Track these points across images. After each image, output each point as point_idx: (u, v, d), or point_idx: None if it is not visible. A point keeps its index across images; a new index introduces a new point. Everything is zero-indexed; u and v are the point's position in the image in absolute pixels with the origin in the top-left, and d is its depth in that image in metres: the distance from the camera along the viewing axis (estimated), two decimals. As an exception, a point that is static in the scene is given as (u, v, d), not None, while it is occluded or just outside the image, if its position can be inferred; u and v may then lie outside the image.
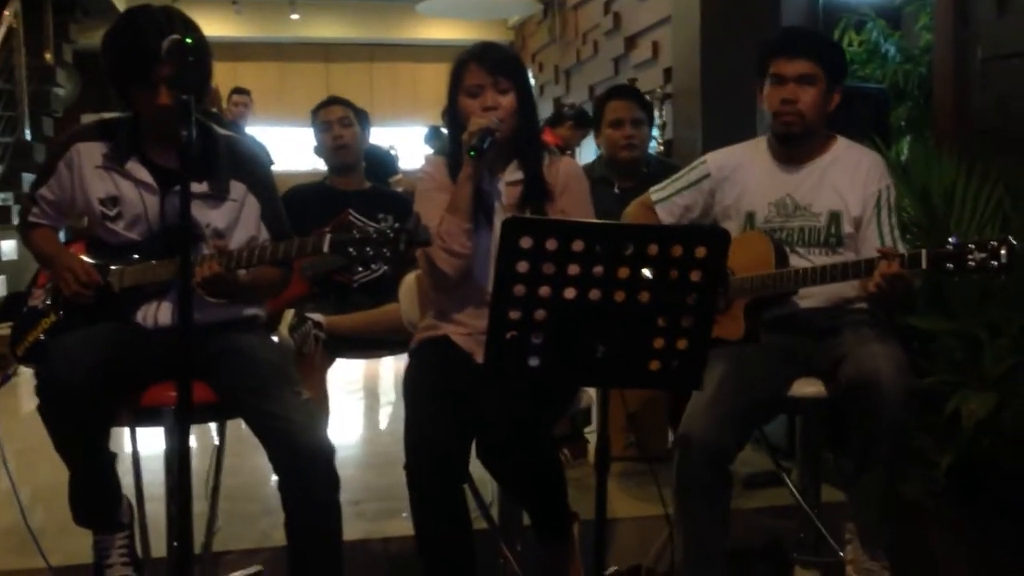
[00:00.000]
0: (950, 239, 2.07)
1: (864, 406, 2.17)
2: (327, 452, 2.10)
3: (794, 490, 2.52)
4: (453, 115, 2.36)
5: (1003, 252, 1.98)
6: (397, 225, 2.04)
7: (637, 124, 3.49)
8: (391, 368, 5.41)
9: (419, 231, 2.03)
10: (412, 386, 2.28)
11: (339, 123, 3.44)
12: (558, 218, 2.30)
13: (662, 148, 5.63)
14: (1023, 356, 2.58)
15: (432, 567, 2.16)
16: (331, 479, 2.12)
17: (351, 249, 2.03)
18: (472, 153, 2.18)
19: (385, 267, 2.97)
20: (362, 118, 3.55)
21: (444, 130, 2.62)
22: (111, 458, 2.21)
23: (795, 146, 2.48)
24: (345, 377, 5.05)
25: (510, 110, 2.28)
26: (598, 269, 1.63)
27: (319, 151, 3.53)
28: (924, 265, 2.06)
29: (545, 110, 7.98)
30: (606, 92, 3.72)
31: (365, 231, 2.02)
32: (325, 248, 2.06)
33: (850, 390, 2.21)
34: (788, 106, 2.40)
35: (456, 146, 2.34)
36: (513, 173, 2.36)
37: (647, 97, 3.78)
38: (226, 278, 2.16)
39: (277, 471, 2.11)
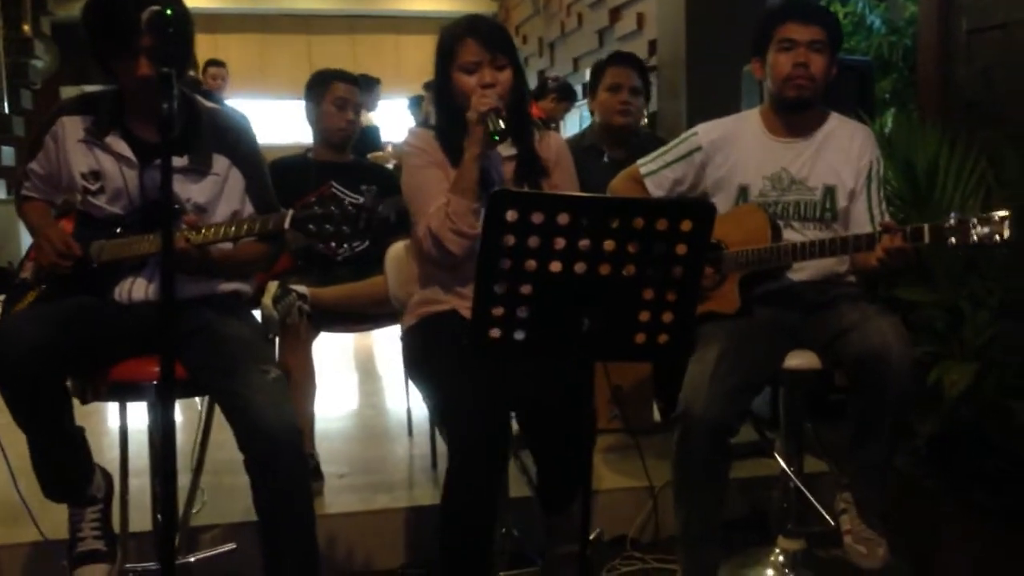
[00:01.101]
0: (953, 213, 2.07)
1: (873, 379, 2.19)
2: (290, 432, 2.06)
3: (781, 461, 2.54)
4: (445, 90, 2.30)
5: (1006, 226, 1.99)
6: (360, 201, 2.02)
7: (634, 92, 3.49)
8: (378, 342, 5.41)
9: (379, 209, 2.01)
10: (431, 361, 2.20)
11: (353, 108, 3.40)
12: (544, 191, 2.29)
13: (646, 120, 5.61)
14: (1003, 326, 2.60)
15: (458, 540, 2.09)
16: (295, 460, 2.08)
17: (311, 226, 2.01)
18: (496, 138, 2.13)
19: (366, 240, 2.95)
20: (373, 85, 3.49)
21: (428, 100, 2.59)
22: (74, 433, 2.20)
23: (796, 116, 2.47)
24: (333, 351, 5.04)
25: (508, 87, 2.24)
26: (584, 242, 1.63)
27: (312, 119, 3.46)
28: (927, 239, 2.07)
29: (529, 83, 7.94)
30: (607, 57, 3.69)
31: (326, 207, 2.01)
32: (285, 225, 2.04)
33: (858, 363, 2.23)
34: (801, 70, 2.39)
35: (448, 121, 2.29)
36: (507, 148, 2.33)
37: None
38: (192, 255, 2.14)
39: (241, 451, 2.09)
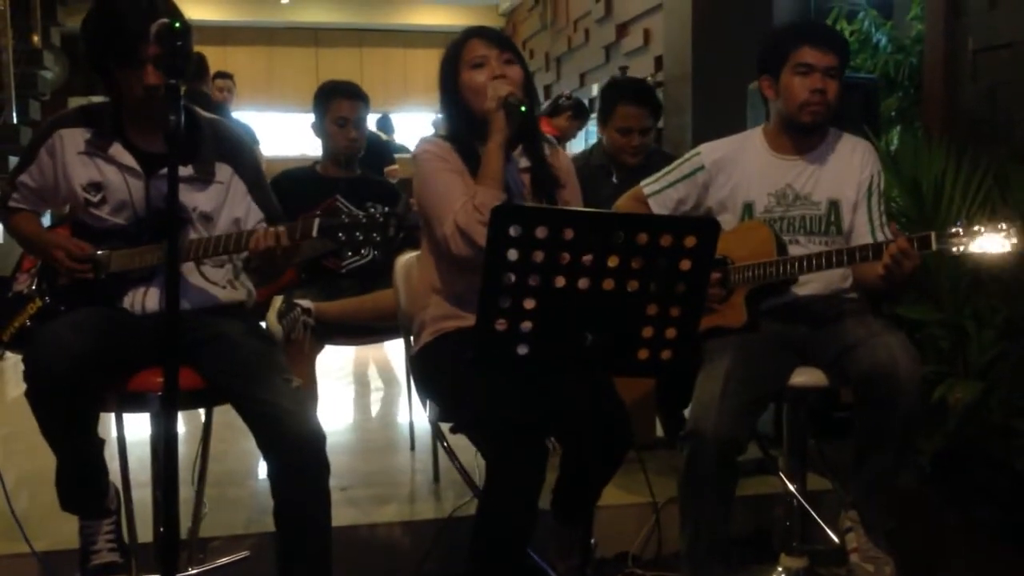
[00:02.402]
0: (959, 221, 2.08)
1: (880, 396, 2.19)
2: (317, 439, 2.08)
3: (785, 479, 2.53)
4: (453, 95, 2.27)
5: (1013, 234, 1.99)
6: (387, 209, 2.02)
7: (645, 132, 3.43)
8: (381, 354, 5.41)
9: (409, 216, 2.00)
10: (461, 376, 2.11)
11: (356, 124, 3.36)
12: (548, 206, 2.28)
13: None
14: (1008, 346, 2.60)
15: (498, 551, 2.04)
16: (321, 466, 2.10)
17: (340, 234, 2.01)
18: (524, 108, 2.12)
19: (374, 252, 2.95)
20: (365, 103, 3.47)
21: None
22: (99, 444, 2.20)
23: (805, 136, 2.49)
24: (334, 363, 5.04)
25: (519, 81, 2.22)
26: (587, 258, 1.63)
27: (320, 133, 3.44)
28: (933, 247, 2.07)
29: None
30: (621, 89, 3.57)
31: (354, 216, 2.00)
32: (314, 233, 2.04)
33: (865, 379, 2.22)
34: (819, 96, 2.40)
35: (462, 126, 2.27)
36: (522, 160, 2.31)
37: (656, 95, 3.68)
38: (276, 254, 2.10)
39: (267, 458, 2.10)
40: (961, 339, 2.65)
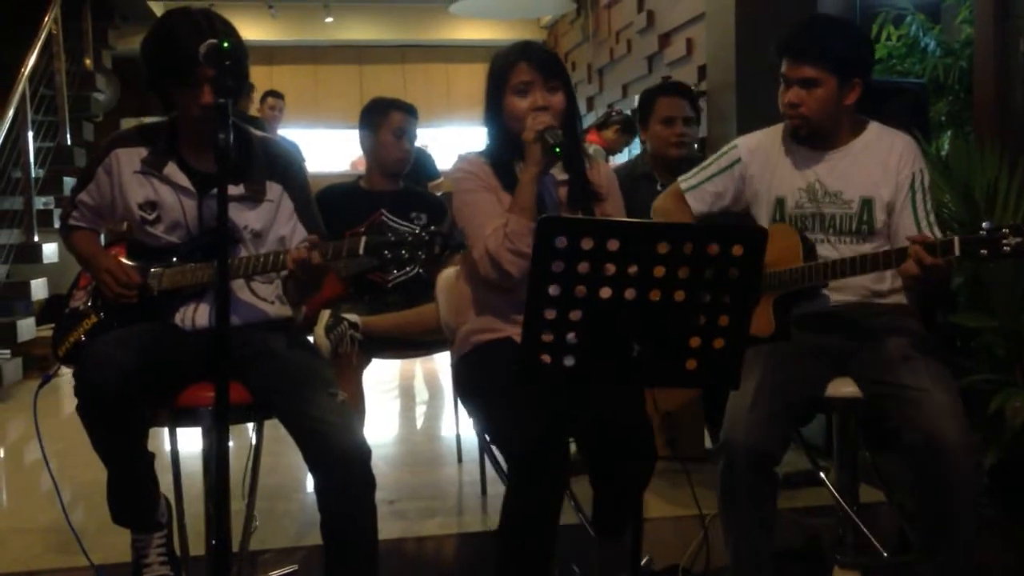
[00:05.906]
0: (984, 224, 2.00)
1: (934, 475, 2.08)
2: (363, 454, 2.10)
3: (833, 490, 2.49)
4: (495, 115, 2.30)
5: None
6: (432, 228, 2.03)
7: (688, 123, 3.50)
8: (428, 368, 5.43)
9: (454, 234, 2.01)
10: (488, 388, 2.17)
11: (409, 138, 3.42)
12: (593, 217, 2.29)
13: (696, 145, 5.59)
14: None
15: (516, 567, 2.06)
16: (367, 481, 2.11)
17: (386, 252, 2.02)
18: (557, 150, 2.13)
19: (419, 269, 2.96)
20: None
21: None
22: (149, 458, 2.23)
23: (815, 139, 2.44)
24: (380, 377, 5.07)
25: (561, 110, 2.24)
26: (634, 268, 1.62)
27: (368, 147, 3.45)
28: (957, 252, 2.00)
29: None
30: (656, 88, 3.70)
31: (400, 233, 2.01)
32: (360, 251, 2.05)
33: (913, 454, 2.11)
34: (792, 109, 2.38)
35: (500, 146, 2.30)
36: (560, 173, 2.33)
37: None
38: (317, 266, 2.10)
39: (313, 473, 2.12)
40: (1018, 347, 2.59)
